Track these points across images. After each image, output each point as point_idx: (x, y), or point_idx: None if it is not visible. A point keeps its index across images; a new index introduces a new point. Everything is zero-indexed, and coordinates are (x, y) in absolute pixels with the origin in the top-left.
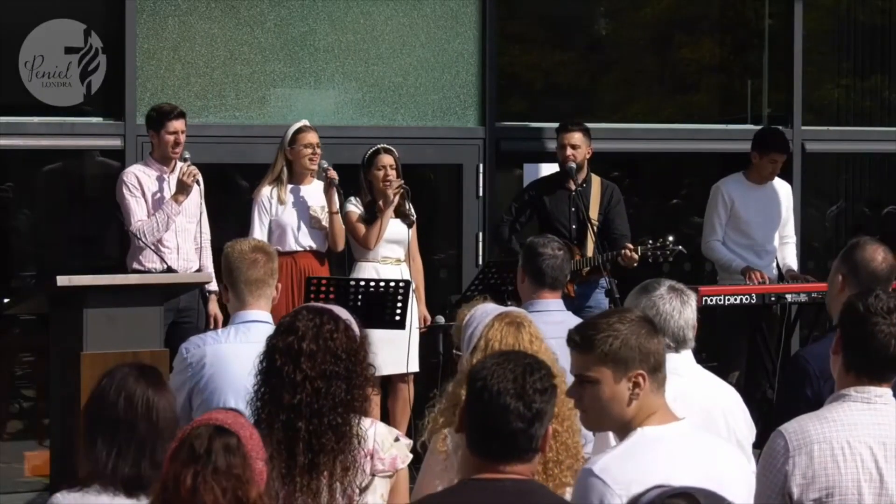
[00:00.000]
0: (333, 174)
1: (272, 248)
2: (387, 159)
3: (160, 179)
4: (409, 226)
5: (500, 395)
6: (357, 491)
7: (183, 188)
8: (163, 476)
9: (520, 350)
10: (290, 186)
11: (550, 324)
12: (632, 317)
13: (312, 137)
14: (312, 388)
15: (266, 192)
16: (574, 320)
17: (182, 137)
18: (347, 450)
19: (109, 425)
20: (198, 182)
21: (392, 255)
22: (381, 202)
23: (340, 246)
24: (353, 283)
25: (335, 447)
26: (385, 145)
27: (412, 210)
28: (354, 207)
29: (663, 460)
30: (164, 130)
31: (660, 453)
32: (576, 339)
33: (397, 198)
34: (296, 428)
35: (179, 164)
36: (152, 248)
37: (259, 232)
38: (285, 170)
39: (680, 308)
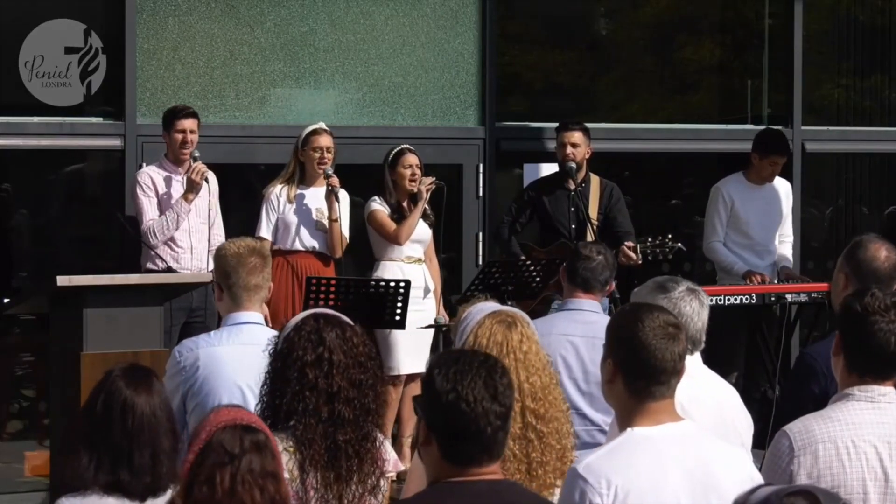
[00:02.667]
0: (335, 182)
1: (266, 249)
2: (413, 159)
3: (172, 180)
4: (430, 226)
5: (477, 402)
6: (369, 492)
7: (192, 186)
8: (189, 479)
9: (475, 350)
10: (300, 187)
11: (580, 322)
12: (656, 312)
13: (323, 141)
14: (347, 398)
15: (276, 190)
16: (605, 321)
17: (191, 136)
18: (375, 455)
19: (90, 429)
20: (207, 180)
21: (415, 255)
22: (405, 201)
23: (338, 252)
24: (353, 283)
25: (368, 455)
26: (408, 146)
27: (430, 210)
28: (380, 206)
29: (649, 460)
30: (172, 129)
31: (646, 453)
32: None
33: (427, 195)
34: (336, 439)
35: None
36: (154, 249)
37: (266, 229)
38: (297, 170)
39: (699, 310)
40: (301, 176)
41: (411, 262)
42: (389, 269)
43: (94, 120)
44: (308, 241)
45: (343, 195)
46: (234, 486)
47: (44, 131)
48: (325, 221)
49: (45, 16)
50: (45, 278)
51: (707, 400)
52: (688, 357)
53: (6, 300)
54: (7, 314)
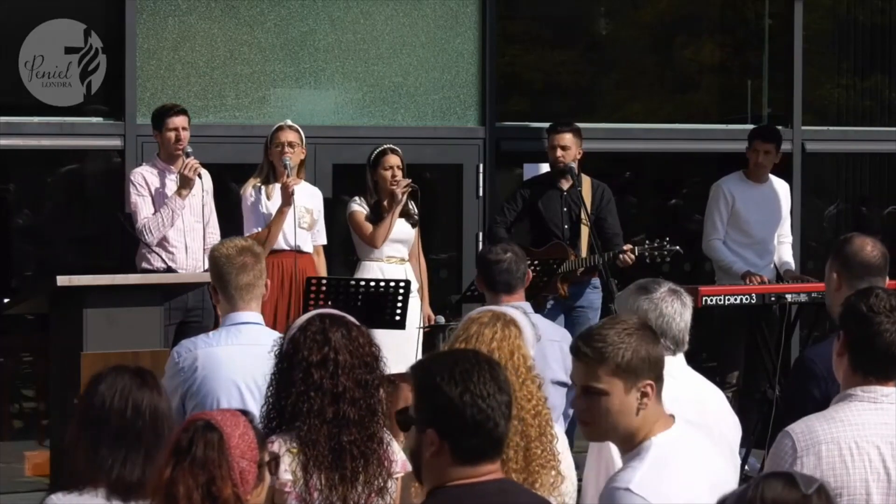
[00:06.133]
0: (290, 188)
1: (258, 248)
2: (394, 159)
3: (165, 177)
4: (414, 225)
5: (491, 397)
6: (376, 493)
7: (186, 182)
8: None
9: (464, 349)
10: (273, 184)
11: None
12: (635, 325)
13: (285, 136)
14: (352, 399)
15: (251, 189)
16: (542, 321)
17: (184, 134)
18: (381, 456)
19: (115, 433)
20: (200, 176)
21: (396, 255)
22: (385, 202)
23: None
24: (352, 283)
25: (374, 456)
26: (391, 146)
27: (416, 210)
28: (359, 207)
29: (685, 467)
30: (164, 128)
31: (681, 461)
32: (585, 351)
33: (404, 197)
34: (341, 440)
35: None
36: (154, 247)
37: (256, 224)
38: (269, 169)
39: (681, 310)
40: (273, 174)
41: (392, 263)
42: (369, 270)
43: (94, 120)
44: (294, 239)
45: (318, 200)
46: (174, 476)
47: (44, 131)
48: (308, 219)
49: (45, 16)
50: (45, 278)
51: (691, 402)
52: (671, 358)
53: (6, 300)
54: (7, 314)
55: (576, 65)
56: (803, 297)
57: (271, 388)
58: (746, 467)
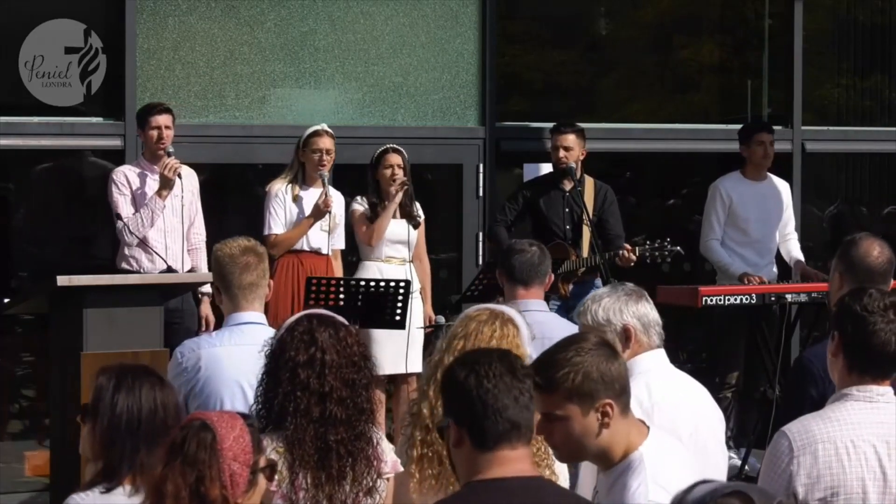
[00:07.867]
0: (329, 204)
1: (261, 248)
2: (394, 158)
3: (147, 177)
4: (415, 227)
5: (498, 378)
6: (364, 492)
7: (165, 182)
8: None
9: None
10: (301, 187)
11: (531, 324)
12: (588, 345)
13: (323, 143)
14: (339, 398)
15: (281, 187)
16: (557, 320)
17: (166, 132)
18: (370, 455)
19: (150, 434)
20: (180, 176)
21: (397, 255)
22: (386, 201)
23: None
24: (353, 283)
25: (362, 455)
26: (394, 145)
27: (419, 211)
28: (359, 206)
29: (676, 470)
30: (147, 126)
31: (675, 465)
32: (536, 380)
33: (399, 195)
34: (327, 439)
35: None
36: (138, 245)
37: (277, 225)
38: (299, 170)
39: (636, 306)
40: (302, 176)
41: (391, 263)
42: (368, 269)
43: (94, 120)
44: (314, 241)
45: (340, 205)
46: (165, 473)
47: (44, 131)
48: (330, 223)
49: (45, 16)
50: (45, 278)
51: (679, 398)
52: (649, 356)
53: (6, 300)
54: (7, 314)
55: (576, 65)
56: (803, 297)
57: (260, 388)
58: (747, 467)
